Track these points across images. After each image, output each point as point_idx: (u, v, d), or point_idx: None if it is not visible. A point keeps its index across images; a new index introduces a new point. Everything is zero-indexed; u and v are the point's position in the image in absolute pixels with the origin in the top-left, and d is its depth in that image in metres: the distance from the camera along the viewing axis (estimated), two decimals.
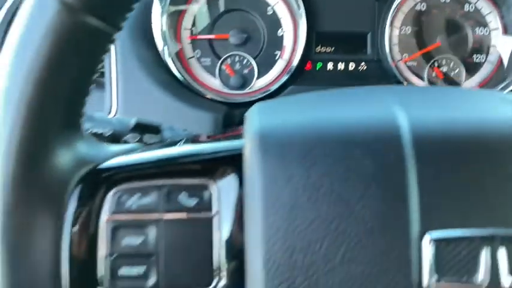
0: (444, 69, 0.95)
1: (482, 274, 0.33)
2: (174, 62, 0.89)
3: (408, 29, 0.95)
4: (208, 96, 0.90)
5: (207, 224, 0.37)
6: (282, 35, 0.93)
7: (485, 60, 0.96)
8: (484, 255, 0.33)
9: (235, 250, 0.37)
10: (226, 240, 0.37)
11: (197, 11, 0.93)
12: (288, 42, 0.93)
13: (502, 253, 0.33)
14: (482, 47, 0.96)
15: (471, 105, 0.40)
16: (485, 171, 0.34)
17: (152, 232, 0.37)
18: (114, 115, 0.81)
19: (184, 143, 0.45)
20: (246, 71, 0.93)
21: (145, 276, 0.37)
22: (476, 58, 0.96)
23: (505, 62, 0.95)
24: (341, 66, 0.95)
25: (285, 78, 0.92)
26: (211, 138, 0.46)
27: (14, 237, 0.34)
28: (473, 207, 0.34)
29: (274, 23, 0.93)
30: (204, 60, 0.93)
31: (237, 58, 0.93)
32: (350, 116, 0.38)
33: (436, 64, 0.95)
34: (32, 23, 0.35)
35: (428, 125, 0.36)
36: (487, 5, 0.95)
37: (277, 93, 0.92)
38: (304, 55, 0.92)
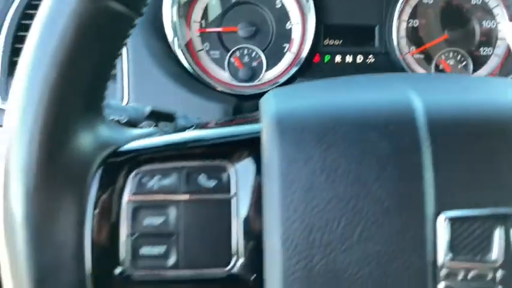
0: (451, 62, 0.96)
1: (496, 253, 0.34)
2: (184, 54, 0.90)
3: (416, 22, 0.96)
4: (219, 88, 0.91)
5: (226, 205, 0.38)
6: (291, 28, 0.94)
7: (492, 53, 0.97)
8: (498, 234, 0.34)
9: (253, 230, 0.38)
10: (244, 220, 0.38)
11: (207, 3, 0.93)
12: (296, 35, 0.94)
13: None
14: (489, 40, 0.97)
15: (484, 90, 0.41)
16: (497, 152, 0.35)
17: (172, 212, 0.38)
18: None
19: (195, 128, 0.46)
20: (254, 64, 0.94)
21: (165, 255, 0.38)
22: (484, 51, 0.97)
23: None
24: (349, 58, 0.96)
25: (293, 70, 0.93)
26: (222, 123, 0.47)
27: (38, 220, 0.35)
28: (486, 187, 0.34)
29: (282, 16, 0.94)
30: (213, 53, 0.94)
31: (245, 51, 0.94)
32: (365, 100, 0.38)
33: (443, 57, 0.96)
34: (56, 8, 0.36)
35: (443, 107, 0.37)
36: None
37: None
38: (312, 48, 0.93)
